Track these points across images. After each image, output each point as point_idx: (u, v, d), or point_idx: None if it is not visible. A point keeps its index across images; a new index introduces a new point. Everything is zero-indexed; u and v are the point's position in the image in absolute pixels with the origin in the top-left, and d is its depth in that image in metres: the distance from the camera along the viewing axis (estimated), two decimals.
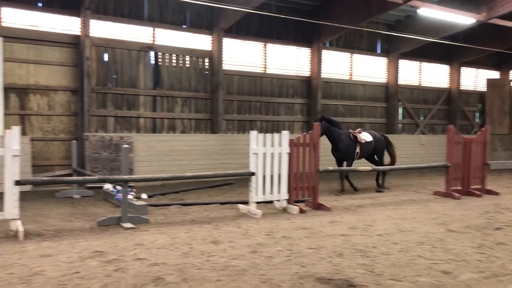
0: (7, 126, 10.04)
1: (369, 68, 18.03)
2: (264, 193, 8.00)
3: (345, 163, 10.90)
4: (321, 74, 16.22)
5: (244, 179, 9.82)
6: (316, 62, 16.07)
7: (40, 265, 4.70)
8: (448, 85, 20.40)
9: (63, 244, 5.60)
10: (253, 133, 7.94)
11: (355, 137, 10.76)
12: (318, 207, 8.38)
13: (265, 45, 15.41)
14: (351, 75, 17.60)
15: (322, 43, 16.13)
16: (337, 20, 14.34)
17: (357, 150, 10.74)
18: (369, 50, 17.92)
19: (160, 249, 5.42)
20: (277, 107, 15.80)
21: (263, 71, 15.47)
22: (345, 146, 10.63)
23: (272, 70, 15.65)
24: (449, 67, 20.34)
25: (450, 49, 19.00)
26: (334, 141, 10.66)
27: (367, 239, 6.04)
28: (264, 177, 7.98)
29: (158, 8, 13.33)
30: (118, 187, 8.73)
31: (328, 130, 10.50)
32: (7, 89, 11.33)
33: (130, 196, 7.82)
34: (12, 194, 6.08)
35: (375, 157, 11.43)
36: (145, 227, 6.73)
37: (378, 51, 18.20)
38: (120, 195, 8.15)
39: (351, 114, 17.54)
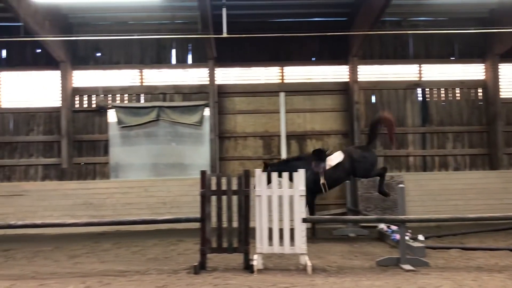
0: None
1: None
2: None
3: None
4: None
5: None
6: None
7: None
8: None
9: (347, 281, 5.82)
10: None
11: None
12: None
13: None
14: None
15: None
16: None
17: (322, 181, 8.56)
18: None
19: None
20: None
21: None
22: None
23: None
24: None
25: None
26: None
27: None
28: None
29: (423, 44, 13.16)
30: (393, 227, 8.66)
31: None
32: (289, 136, 12.89)
33: (406, 237, 7.64)
34: (300, 231, 6.74)
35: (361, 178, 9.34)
36: (425, 270, 6.41)
37: None
38: (395, 236, 8.08)
39: None
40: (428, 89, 13.16)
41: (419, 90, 13.14)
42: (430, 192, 12.18)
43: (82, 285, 5.87)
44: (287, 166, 9.20)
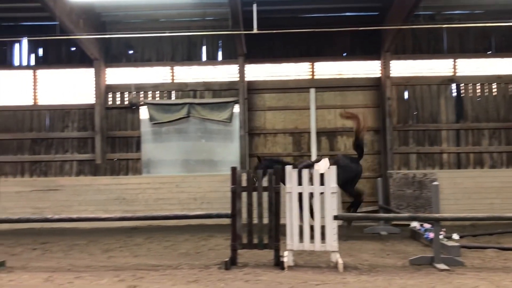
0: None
1: None
2: None
3: None
4: None
5: None
6: None
7: None
8: None
9: (379, 280, 5.74)
10: None
11: None
12: None
13: None
14: None
15: None
16: None
17: None
18: None
19: None
20: None
21: None
22: None
23: None
24: None
25: None
26: None
27: None
28: None
29: (458, 39, 12.79)
30: (426, 225, 8.48)
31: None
32: (319, 133, 12.80)
33: (440, 236, 7.47)
34: (331, 228, 6.66)
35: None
36: (461, 270, 6.26)
37: None
38: (429, 234, 7.91)
39: None
40: (463, 85, 12.79)
41: (453, 86, 12.79)
42: (465, 190, 11.89)
43: (116, 278, 6.00)
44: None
